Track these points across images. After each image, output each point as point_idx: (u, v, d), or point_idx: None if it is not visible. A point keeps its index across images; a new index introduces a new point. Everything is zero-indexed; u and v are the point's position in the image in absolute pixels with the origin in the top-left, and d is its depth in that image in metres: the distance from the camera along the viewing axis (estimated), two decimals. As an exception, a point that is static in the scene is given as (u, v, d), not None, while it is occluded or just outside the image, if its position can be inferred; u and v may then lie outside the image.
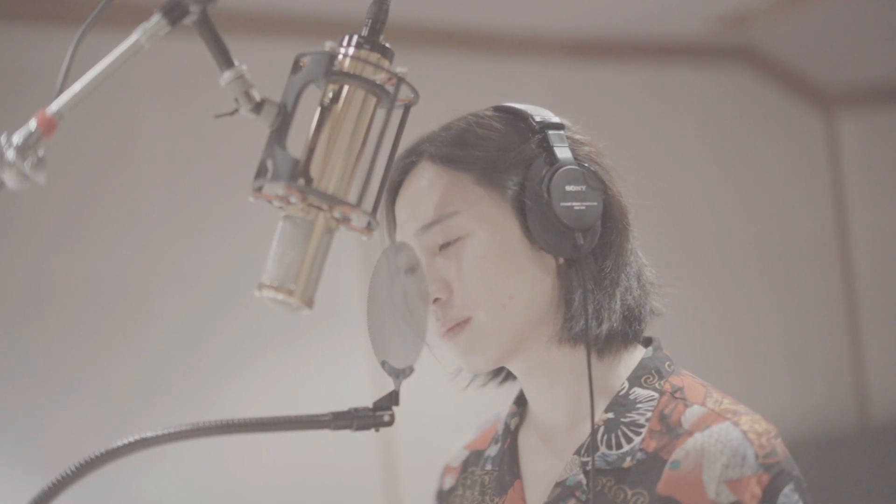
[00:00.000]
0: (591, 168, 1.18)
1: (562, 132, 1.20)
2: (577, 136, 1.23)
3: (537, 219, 1.15)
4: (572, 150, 1.19)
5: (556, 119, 1.21)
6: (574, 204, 1.14)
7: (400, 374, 1.12)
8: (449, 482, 1.41)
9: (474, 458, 1.39)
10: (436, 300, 1.17)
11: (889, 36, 4.50)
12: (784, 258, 4.72)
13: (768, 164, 4.77)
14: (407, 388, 1.11)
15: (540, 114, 1.21)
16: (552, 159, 1.17)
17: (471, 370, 1.23)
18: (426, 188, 1.20)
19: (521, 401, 1.34)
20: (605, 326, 1.18)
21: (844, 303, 4.95)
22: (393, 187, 1.24)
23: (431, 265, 1.19)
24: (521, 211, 1.17)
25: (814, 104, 4.93)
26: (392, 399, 1.08)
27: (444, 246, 1.18)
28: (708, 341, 4.36)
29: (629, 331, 1.22)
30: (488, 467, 1.33)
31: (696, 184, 4.54)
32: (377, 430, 1.07)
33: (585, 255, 1.16)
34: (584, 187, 1.15)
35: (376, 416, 1.06)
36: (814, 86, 4.90)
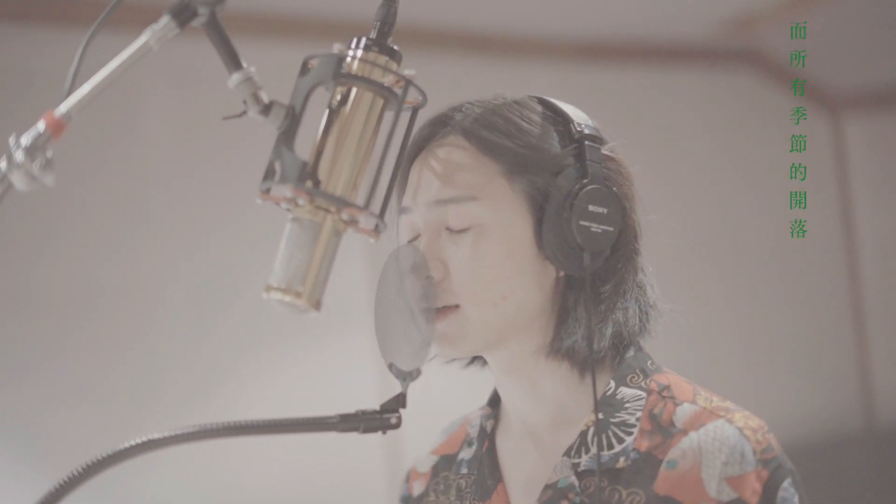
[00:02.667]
0: (617, 192, 1.16)
1: (598, 146, 1.18)
2: (612, 155, 1.20)
3: (552, 230, 1.13)
4: (604, 168, 1.17)
5: (594, 130, 1.19)
6: (592, 225, 1.13)
7: (407, 376, 1.12)
8: (418, 488, 1.39)
9: (444, 462, 1.37)
10: (428, 278, 1.15)
11: (895, 38, 4.49)
12: (790, 260, 4.72)
13: (774, 166, 4.77)
14: (414, 390, 1.11)
15: (581, 120, 1.19)
16: (582, 173, 1.15)
17: (442, 356, 1.22)
18: (451, 162, 1.17)
19: (493, 402, 1.33)
20: (595, 347, 1.17)
21: (850, 305, 4.95)
22: (414, 148, 1.21)
23: (433, 242, 1.16)
24: (538, 217, 1.15)
25: (820, 107, 4.92)
26: (399, 401, 1.08)
27: (452, 227, 1.16)
28: (714, 343, 4.36)
29: (617, 353, 1.21)
30: (464, 471, 1.31)
31: (701, 186, 4.54)
32: (384, 433, 1.07)
33: (587, 275, 1.15)
34: (605, 210, 1.14)
35: (383, 418, 1.06)
36: (820, 88, 4.89)
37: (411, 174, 1.21)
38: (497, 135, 1.17)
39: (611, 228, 1.15)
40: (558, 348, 1.18)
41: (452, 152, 1.18)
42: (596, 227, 1.13)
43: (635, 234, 1.20)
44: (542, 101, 1.22)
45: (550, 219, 1.14)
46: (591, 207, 1.13)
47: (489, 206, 1.15)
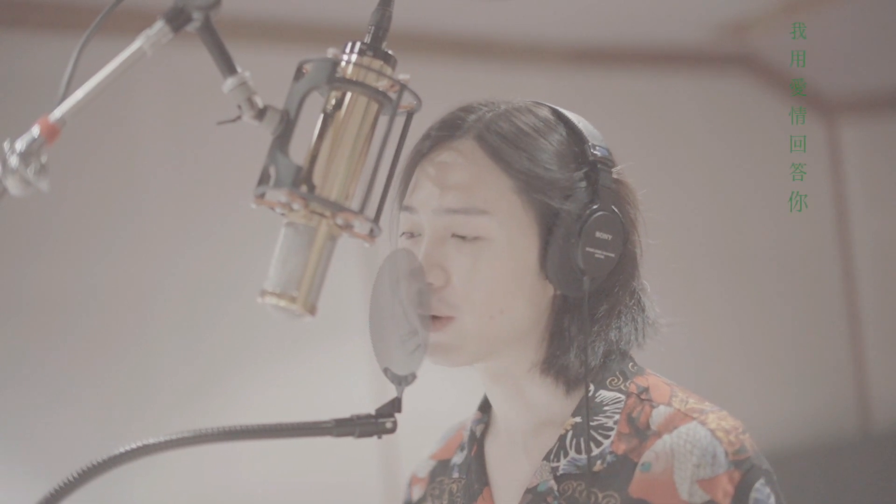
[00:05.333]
0: (623, 219, 1.17)
1: (609, 169, 1.18)
2: (621, 179, 1.21)
3: (557, 252, 1.14)
4: (614, 192, 1.17)
5: (606, 151, 1.19)
6: (597, 251, 1.14)
7: (402, 381, 1.12)
8: (417, 493, 1.40)
9: (441, 467, 1.38)
10: (428, 285, 1.15)
11: (891, 43, 4.50)
12: (786, 265, 4.72)
13: (769, 171, 4.78)
14: (409, 395, 1.11)
15: (595, 140, 1.19)
16: (593, 198, 1.15)
17: (434, 363, 1.21)
18: (465, 172, 1.16)
19: (485, 407, 1.33)
20: (587, 365, 1.18)
21: (846, 310, 4.95)
22: (424, 148, 1.20)
23: (437, 248, 1.16)
24: (545, 237, 1.15)
25: (816, 111, 4.93)
26: (394, 406, 1.08)
27: (458, 237, 1.15)
28: (710, 347, 4.36)
29: (606, 368, 1.21)
30: (455, 475, 1.32)
31: (697, 191, 4.54)
32: (380, 438, 1.07)
33: (586, 298, 1.16)
34: (610, 237, 1.15)
35: (379, 423, 1.06)
36: (815, 93, 4.90)
37: (418, 173, 1.20)
38: (513, 149, 1.16)
39: (612, 255, 1.16)
40: (550, 365, 1.19)
41: (466, 161, 1.17)
42: (600, 254, 1.14)
43: (634, 259, 1.21)
44: (555, 113, 1.22)
45: (557, 242, 1.14)
46: (597, 234, 1.14)
47: (499, 221, 1.15)
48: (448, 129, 1.20)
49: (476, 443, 1.30)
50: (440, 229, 1.16)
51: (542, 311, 1.18)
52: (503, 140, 1.17)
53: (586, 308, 1.15)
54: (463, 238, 1.15)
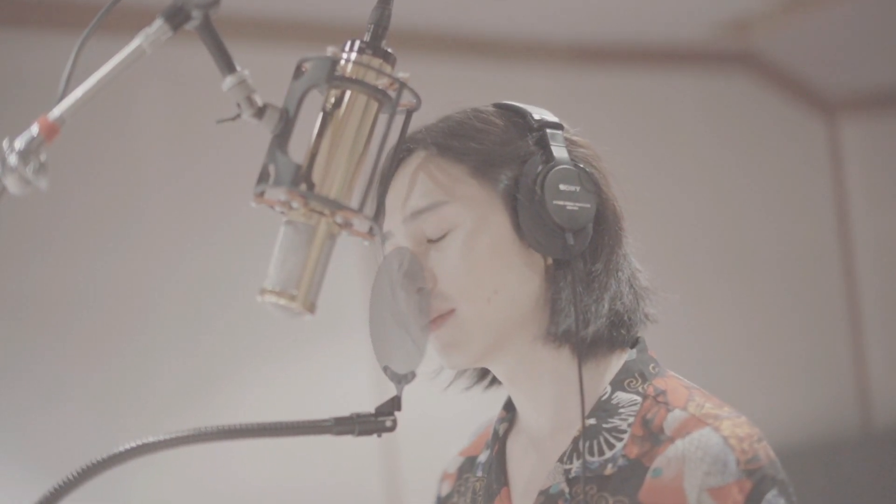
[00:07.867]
0: (587, 170, 1.17)
1: (559, 132, 1.19)
2: (575, 139, 1.22)
3: (528, 215, 1.14)
4: (569, 152, 1.17)
5: (554, 119, 1.20)
6: (567, 203, 1.13)
7: (402, 379, 1.12)
8: (446, 489, 1.40)
9: (468, 464, 1.38)
10: (420, 289, 1.15)
11: (892, 41, 4.50)
12: (787, 263, 4.72)
13: (771, 169, 4.78)
14: (409, 393, 1.11)
15: (539, 112, 1.20)
16: (548, 157, 1.15)
17: (450, 366, 1.21)
18: (419, 176, 1.18)
19: (510, 406, 1.32)
20: (591, 329, 1.16)
21: (847, 308, 4.95)
22: (387, 178, 1.21)
23: (417, 254, 1.16)
24: (513, 206, 1.15)
25: (817, 109, 4.93)
26: (394, 404, 1.08)
27: (431, 236, 1.16)
28: (710, 347, 4.36)
29: (616, 336, 1.20)
30: (479, 474, 1.31)
31: (698, 189, 4.54)
32: (379, 436, 1.07)
33: (575, 257, 1.15)
34: (578, 188, 1.14)
35: (378, 421, 1.06)
36: (817, 91, 4.90)
37: (387, 201, 1.21)
38: (457, 139, 1.18)
39: (587, 205, 1.15)
40: (555, 333, 1.17)
41: (419, 166, 1.19)
42: (571, 205, 1.13)
43: (615, 209, 1.20)
44: (497, 104, 1.24)
45: (524, 205, 1.14)
46: (562, 186, 1.13)
47: (463, 205, 1.16)
48: (401, 154, 1.21)
49: (498, 442, 1.30)
50: (414, 235, 1.17)
51: (539, 283, 1.17)
52: (446, 136, 1.18)
53: (576, 264, 1.15)
54: (436, 234, 1.16)
